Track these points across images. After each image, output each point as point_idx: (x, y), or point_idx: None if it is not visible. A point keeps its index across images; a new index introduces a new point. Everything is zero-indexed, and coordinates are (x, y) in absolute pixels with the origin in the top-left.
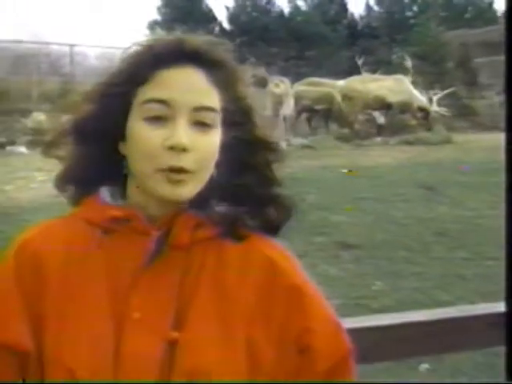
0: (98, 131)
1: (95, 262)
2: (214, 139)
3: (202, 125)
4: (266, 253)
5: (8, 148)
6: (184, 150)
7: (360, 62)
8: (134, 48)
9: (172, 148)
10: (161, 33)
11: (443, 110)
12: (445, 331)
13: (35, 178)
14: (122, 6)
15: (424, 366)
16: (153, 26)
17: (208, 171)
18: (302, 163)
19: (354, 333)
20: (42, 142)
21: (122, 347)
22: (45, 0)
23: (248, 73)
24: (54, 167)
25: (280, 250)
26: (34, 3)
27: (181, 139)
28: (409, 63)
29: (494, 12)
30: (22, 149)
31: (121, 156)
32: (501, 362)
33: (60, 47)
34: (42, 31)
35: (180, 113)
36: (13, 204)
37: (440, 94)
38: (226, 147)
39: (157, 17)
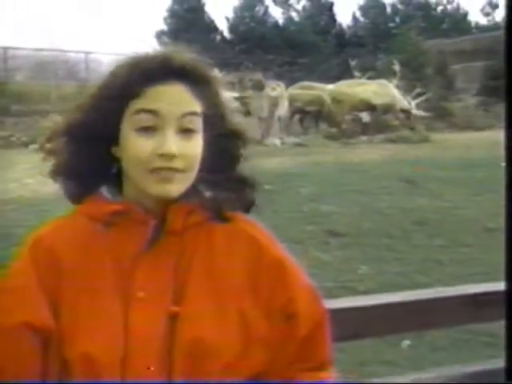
0: (92, 136)
1: (100, 252)
2: (198, 142)
3: (187, 131)
4: (249, 231)
5: (30, 146)
6: (173, 156)
7: (353, 63)
8: (124, 63)
9: (162, 155)
10: (167, 41)
11: (421, 113)
12: (424, 311)
13: None
14: (132, 17)
15: (406, 343)
16: (159, 35)
17: (195, 170)
18: (295, 159)
19: (342, 312)
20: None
21: (131, 324)
22: (63, 12)
23: (222, 81)
24: None
25: (260, 228)
26: (54, 14)
27: (170, 148)
28: (397, 67)
29: (468, 23)
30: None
31: (114, 158)
32: (474, 338)
33: (76, 54)
34: (59, 40)
35: (168, 122)
36: (34, 196)
37: (417, 100)
38: (207, 144)
39: (163, 27)
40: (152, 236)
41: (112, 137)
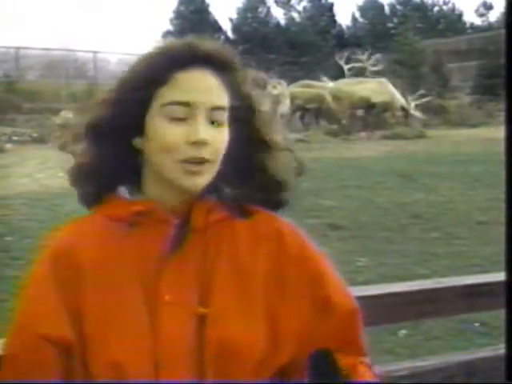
0: (115, 130)
1: (124, 254)
2: (224, 134)
3: (215, 122)
4: (273, 224)
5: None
6: (204, 144)
7: (364, 55)
8: (149, 52)
9: (194, 143)
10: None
11: (419, 114)
12: (420, 301)
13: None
14: (140, 19)
15: (402, 332)
16: (166, 35)
17: (219, 162)
18: (296, 155)
19: None
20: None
21: (160, 328)
22: (72, 12)
23: (251, 75)
24: None
25: (283, 220)
26: (63, 15)
27: (203, 135)
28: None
29: (463, 24)
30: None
31: (136, 152)
32: (467, 327)
33: (85, 54)
34: (69, 40)
35: (199, 112)
36: (44, 190)
37: (417, 101)
38: (233, 139)
39: (169, 27)
40: (175, 235)
41: (136, 128)
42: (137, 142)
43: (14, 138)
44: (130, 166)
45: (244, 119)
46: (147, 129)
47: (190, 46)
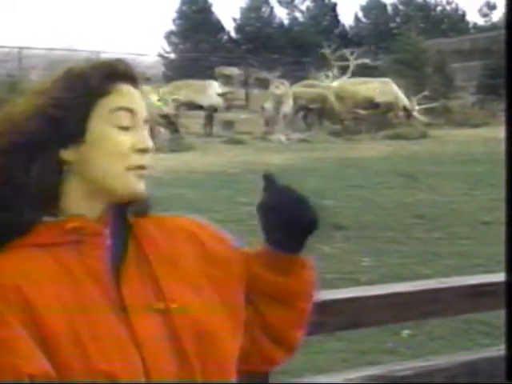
0: (42, 142)
1: (73, 275)
2: None
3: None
4: (179, 222)
5: None
6: (148, 151)
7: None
8: (80, 67)
9: (141, 150)
10: (176, 41)
11: (422, 118)
12: (423, 301)
13: None
14: (142, 18)
15: (406, 332)
16: (169, 35)
17: None
18: (300, 155)
19: (346, 302)
20: None
21: (135, 331)
22: (75, 13)
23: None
24: None
25: (167, 216)
26: (66, 15)
27: (149, 143)
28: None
29: (466, 24)
30: None
31: (56, 166)
32: (471, 328)
33: (88, 54)
34: (72, 40)
35: (140, 121)
36: None
37: (423, 106)
38: None
39: (172, 27)
40: (111, 243)
41: (65, 139)
42: (63, 153)
43: None
44: (50, 181)
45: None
46: (89, 137)
47: (122, 62)
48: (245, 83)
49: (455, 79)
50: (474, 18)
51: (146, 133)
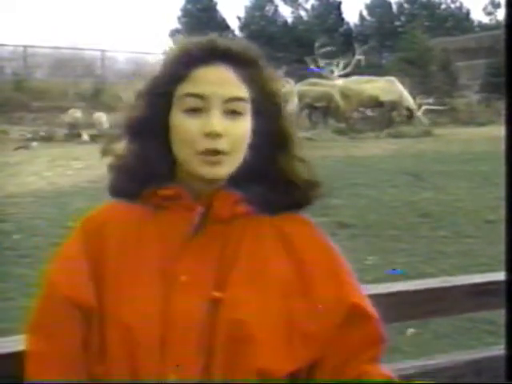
0: (148, 126)
1: (148, 234)
2: (244, 124)
3: (233, 113)
4: (299, 226)
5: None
6: (218, 135)
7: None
8: (172, 50)
9: (208, 134)
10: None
11: (424, 119)
12: (428, 299)
13: (72, 166)
14: (147, 17)
15: (411, 330)
16: (174, 33)
17: (241, 152)
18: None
19: None
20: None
21: (172, 306)
22: (80, 10)
23: (276, 72)
24: (89, 157)
25: (310, 222)
26: (72, 14)
27: (215, 127)
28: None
29: (471, 22)
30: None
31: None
32: (476, 326)
33: (93, 52)
34: (77, 39)
35: (213, 104)
36: (52, 188)
37: (428, 106)
38: (257, 134)
39: (177, 25)
40: (199, 222)
41: (166, 124)
42: (169, 137)
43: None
44: (167, 160)
45: (269, 116)
46: (170, 123)
47: (209, 43)
48: None
49: (460, 78)
50: (478, 16)
51: (217, 115)
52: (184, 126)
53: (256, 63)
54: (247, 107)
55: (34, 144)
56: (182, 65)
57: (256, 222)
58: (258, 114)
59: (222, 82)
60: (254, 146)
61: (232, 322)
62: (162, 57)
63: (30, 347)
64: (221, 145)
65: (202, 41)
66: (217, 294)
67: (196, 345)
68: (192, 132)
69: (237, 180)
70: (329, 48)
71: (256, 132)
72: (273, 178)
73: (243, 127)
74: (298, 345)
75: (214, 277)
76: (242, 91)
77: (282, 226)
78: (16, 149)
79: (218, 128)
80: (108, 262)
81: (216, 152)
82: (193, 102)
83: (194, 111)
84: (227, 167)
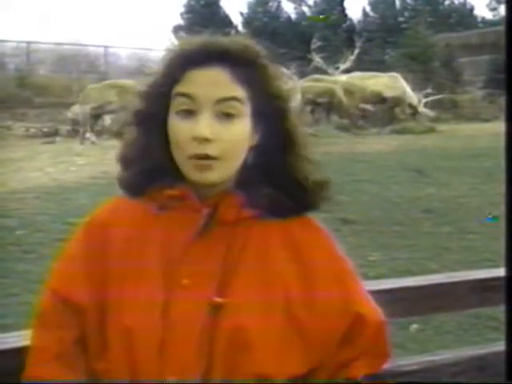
0: (152, 122)
1: (152, 235)
2: (239, 127)
3: (226, 115)
4: (307, 229)
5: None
6: (206, 140)
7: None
8: (170, 50)
9: (195, 139)
10: (184, 36)
11: (428, 112)
12: (432, 295)
13: (75, 162)
14: (150, 13)
15: (414, 326)
16: (176, 29)
17: (236, 157)
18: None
19: None
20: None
21: (172, 309)
22: (83, 7)
23: (279, 70)
24: (91, 153)
25: (318, 225)
26: (75, 10)
27: (202, 131)
28: None
29: (474, 18)
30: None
31: None
32: (479, 322)
33: (96, 48)
34: (80, 34)
35: (204, 106)
36: (55, 184)
37: (428, 98)
38: (262, 134)
39: (180, 21)
40: (204, 224)
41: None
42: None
43: (25, 132)
44: (172, 158)
45: (273, 116)
46: (167, 124)
47: (206, 44)
48: None
49: (463, 73)
50: (482, 12)
51: (207, 118)
52: (176, 128)
53: (256, 62)
54: (243, 108)
55: (58, 139)
56: (178, 66)
57: (262, 226)
58: (260, 114)
59: (212, 82)
60: (259, 147)
61: (232, 327)
62: (163, 55)
63: (30, 341)
64: (210, 150)
65: (198, 42)
66: (218, 300)
67: (196, 349)
68: (182, 135)
69: (244, 181)
70: (325, 43)
71: (260, 132)
72: (280, 180)
73: (238, 130)
74: (298, 352)
75: (216, 281)
76: (236, 91)
77: (293, 231)
78: (43, 143)
79: (205, 133)
80: (111, 263)
81: (206, 157)
82: (183, 103)
83: (186, 114)
84: (219, 172)
